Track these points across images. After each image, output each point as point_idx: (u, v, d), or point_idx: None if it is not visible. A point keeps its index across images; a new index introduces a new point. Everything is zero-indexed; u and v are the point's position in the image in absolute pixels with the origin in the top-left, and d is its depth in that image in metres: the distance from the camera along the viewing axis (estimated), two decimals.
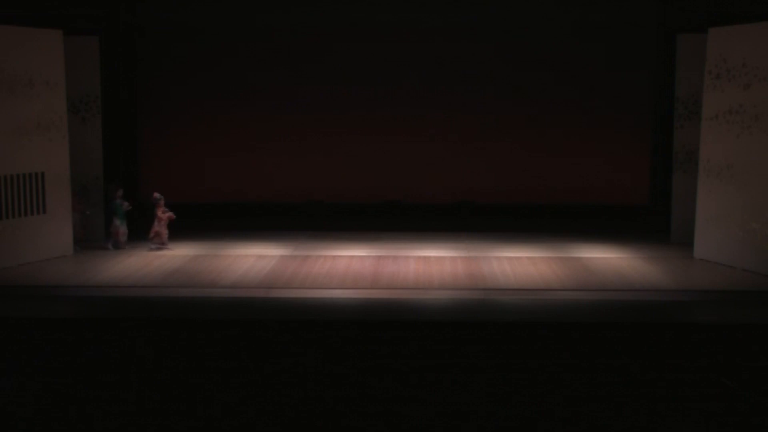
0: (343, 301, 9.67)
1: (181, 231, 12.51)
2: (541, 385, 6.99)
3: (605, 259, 11.49)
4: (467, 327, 8.75)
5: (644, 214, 13.94)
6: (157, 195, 12.18)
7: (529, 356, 7.82)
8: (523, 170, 14.07)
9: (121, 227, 12.17)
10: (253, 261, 11.37)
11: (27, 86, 11.12)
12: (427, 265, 11.13)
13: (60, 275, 10.67)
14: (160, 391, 6.87)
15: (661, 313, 9.36)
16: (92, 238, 12.52)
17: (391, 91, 14.04)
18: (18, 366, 7.51)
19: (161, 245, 12.11)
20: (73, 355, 7.82)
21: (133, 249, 12.03)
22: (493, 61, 13.94)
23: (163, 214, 12.13)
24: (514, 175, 14.09)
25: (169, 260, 11.40)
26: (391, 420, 6.31)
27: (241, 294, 9.93)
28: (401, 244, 12.51)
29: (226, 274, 10.65)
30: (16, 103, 11.02)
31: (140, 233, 12.35)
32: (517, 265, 11.14)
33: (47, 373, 7.31)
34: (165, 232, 12.19)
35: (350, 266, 11.09)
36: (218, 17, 14.04)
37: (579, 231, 13.31)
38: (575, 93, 13.96)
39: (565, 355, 7.85)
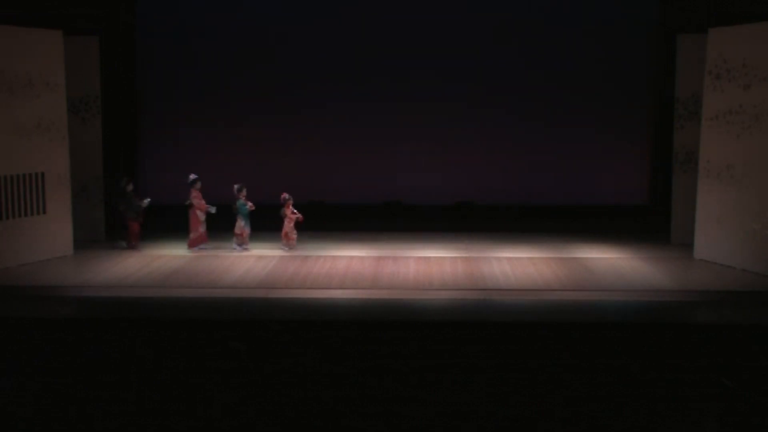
0: (343, 302, 9.68)
1: (181, 231, 12.49)
2: (541, 385, 6.99)
3: (605, 260, 11.49)
4: (467, 327, 8.75)
5: (644, 215, 13.93)
6: (285, 195, 12.05)
7: (529, 356, 7.82)
8: (523, 170, 14.06)
9: (246, 227, 12.09)
10: (254, 261, 11.37)
11: (27, 86, 11.12)
12: (427, 266, 11.13)
13: (60, 275, 10.67)
14: (160, 391, 6.87)
15: (661, 313, 9.36)
16: (96, 237, 12.56)
17: (391, 92, 14.03)
18: (18, 366, 7.51)
19: (289, 246, 12.05)
20: (73, 355, 7.82)
21: (133, 250, 12.05)
22: (492, 61, 13.94)
23: (292, 215, 12.01)
24: (513, 175, 14.08)
25: (169, 261, 11.40)
26: (391, 420, 6.31)
27: (242, 294, 9.93)
28: (401, 244, 12.50)
29: (227, 275, 10.65)
30: (16, 103, 11.01)
31: (145, 233, 12.38)
32: (517, 265, 11.14)
33: (47, 373, 7.31)
34: (294, 233, 12.09)
35: (350, 266, 11.08)
36: (218, 17, 14.04)
37: (579, 231, 13.30)
38: (575, 93, 13.95)
39: (565, 355, 7.85)
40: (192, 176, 12.13)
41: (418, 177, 13.99)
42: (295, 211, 12.06)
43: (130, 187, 12.07)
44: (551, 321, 8.91)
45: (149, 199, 12.14)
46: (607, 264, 11.23)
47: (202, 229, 12.12)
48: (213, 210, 12.06)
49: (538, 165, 13.99)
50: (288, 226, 12.05)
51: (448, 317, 9.20)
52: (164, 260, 11.42)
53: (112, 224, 12.97)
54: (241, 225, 12.06)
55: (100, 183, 12.65)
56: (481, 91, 13.98)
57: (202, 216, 12.08)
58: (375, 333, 8.48)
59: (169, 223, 12.67)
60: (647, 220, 13.73)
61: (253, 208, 12.07)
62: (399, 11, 13.93)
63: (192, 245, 12.06)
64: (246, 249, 12.02)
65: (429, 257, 11.65)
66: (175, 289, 10.09)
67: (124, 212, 12.07)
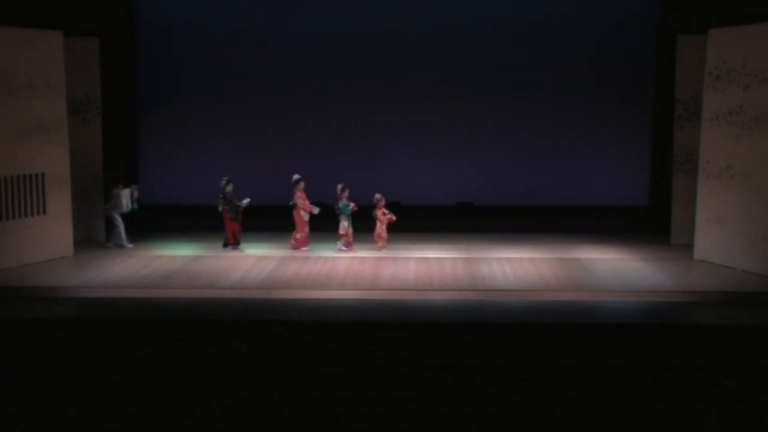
0: (344, 302, 9.68)
1: (181, 232, 12.50)
2: (541, 386, 6.98)
3: (605, 260, 11.48)
4: (467, 328, 8.75)
5: (644, 215, 13.94)
6: (378, 196, 11.94)
7: (530, 357, 7.82)
8: (523, 171, 14.08)
9: (349, 228, 11.99)
10: (254, 262, 11.37)
11: (27, 87, 11.12)
12: (427, 266, 11.12)
13: (60, 276, 10.66)
14: (160, 391, 6.87)
15: (661, 313, 9.36)
16: (94, 238, 12.54)
17: (391, 93, 14.05)
18: (18, 366, 7.50)
19: (381, 247, 11.97)
20: (73, 355, 7.81)
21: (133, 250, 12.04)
22: (493, 62, 13.95)
23: (384, 216, 11.92)
24: (514, 176, 14.10)
25: (169, 261, 11.39)
26: (391, 420, 6.30)
27: (242, 295, 9.93)
28: (401, 245, 12.49)
29: (227, 275, 10.64)
30: (17, 104, 11.01)
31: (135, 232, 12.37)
32: (517, 266, 11.14)
33: (47, 373, 7.30)
34: (386, 234, 11.96)
35: (350, 267, 11.08)
36: (219, 18, 14.05)
37: (579, 232, 13.29)
38: (575, 94, 13.97)
39: (565, 356, 7.85)
40: (295, 176, 12.05)
41: (418, 178, 14.00)
42: (387, 212, 11.97)
43: (229, 188, 11.94)
44: (551, 321, 8.91)
45: (248, 200, 11.98)
46: (607, 264, 11.22)
47: (306, 229, 12.03)
48: (316, 211, 11.96)
49: (538, 166, 14.00)
50: (380, 227, 11.98)
51: (448, 318, 9.20)
52: (164, 261, 11.41)
53: (113, 225, 12.97)
54: (345, 225, 11.98)
55: (100, 184, 12.63)
56: (481, 92, 13.99)
57: (305, 216, 11.99)
58: (375, 333, 8.48)
59: (169, 224, 12.66)
60: (647, 221, 13.73)
61: (356, 208, 11.97)
62: (399, 13, 13.95)
63: (298, 245, 11.99)
64: (350, 249, 11.94)
65: (429, 258, 11.64)
66: (174, 289, 10.08)
67: (223, 213, 11.96)
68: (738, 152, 10.86)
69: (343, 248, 11.99)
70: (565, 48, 13.86)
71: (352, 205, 11.95)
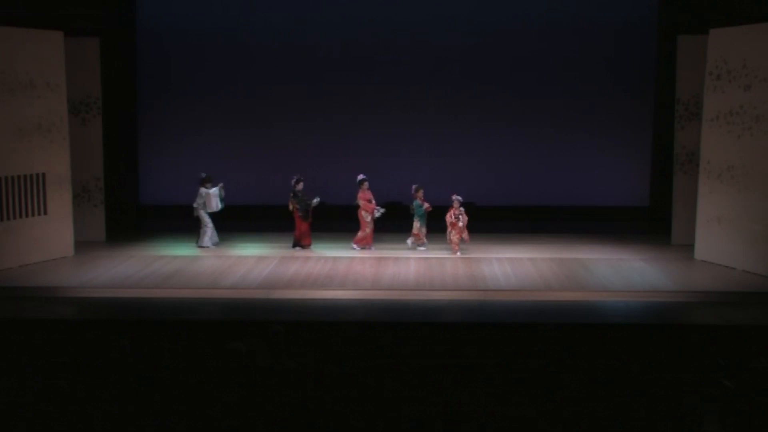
0: (344, 302, 9.68)
1: (181, 232, 12.48)
2: (541, 386, 6.98)
3: (605, 260, 11.48)
4: (468, 327, 8.75)
5: (645, 216, 13.93)
6: (453, 197, 11.91)
7: (530, 356, 7.81)
8: (524, 172, 14.08)
9: (422, 228, 11.99)
10: (254, 262, 11.37)
11: (28, 87, 11.13)
12: (427, 266, 11.13)
13: (61, 276, 10.67)
14: (160, 391, 6.86)
15: (662, 313, 9.37)
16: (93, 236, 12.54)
17: (392, 94, 14.05)
18: (18, 366, 7.50)
19: (466, 241, 11.92)
20: (73, 355, 7.81)
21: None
22: (493, 63, 13.96)
23: (449, 218, 11.81)
24: (514, 176, 14.10)
25: (170, 261, 11.39)
26: (391, 420, 6.30)
27: (242, 295, 9.93)
28: (402, 245, 12.49)
29: (227, 276, 10.65)
30: (17, 104, 11.02)
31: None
32: (517, 266, 11.14)
33: (47, 373, 7.30)
34: (456, 238, 11.83)
35: (351, 267, 11.08)
36: (219, 18, 14.05)
37: (579, 232, 13.30)
38: (576, 94, 13.97)
39: (565, 356, 7.84)
40: (360, 176, 12.09)
41: (419, 178, 13.97)
42: (460, 213, 11.85)
43: (299, 186, 11.95)
44: (551, 321, 8.91)
45: (318, 198, 11.99)
46: (608, 264, 11.23)
47: (368, 229, 12.03)
48: (378, 213, 11.96)
49: (539, 166, 14.01)
50: (449, 231, 11.96)
51: (448, 318, 9.20)
52: (165, 261, 11.42)
53: (113, 225, 12.99)
54: (417, 225, 11.99)
55: (100, 183, 12.63)
56: (482, 93, 14.00)
57: (367, 217, 11.99)
58: (375, 333, 8.47)
59: (169, 224, 12.65)
60: (647, 221, 13.73)
61: (431, 208, 11.95)
62: (399, 13, 13.96)
63: (356, 243, 12.04)
64: (424, 249, 11.95)
65: (429, 258, 11.64)
66: (175, 289, 10.09)
67: (294, 211, 11.97)
68: (738, 152, 10.86)
69: (410, 245, 12.07)
70: (566, 49, 13.86)
71: (426, 205, 11.95)
